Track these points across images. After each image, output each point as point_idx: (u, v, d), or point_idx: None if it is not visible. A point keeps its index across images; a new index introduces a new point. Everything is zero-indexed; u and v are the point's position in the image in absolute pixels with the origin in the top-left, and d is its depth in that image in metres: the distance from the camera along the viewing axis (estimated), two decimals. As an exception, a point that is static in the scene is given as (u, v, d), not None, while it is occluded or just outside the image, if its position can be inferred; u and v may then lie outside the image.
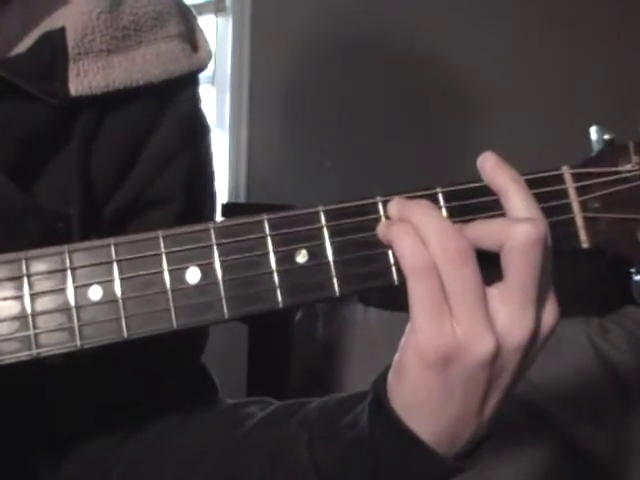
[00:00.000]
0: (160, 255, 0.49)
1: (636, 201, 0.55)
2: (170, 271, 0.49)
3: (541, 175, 0.54)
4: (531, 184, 0.53)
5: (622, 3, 2.48)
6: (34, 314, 0.48)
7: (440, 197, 0.53)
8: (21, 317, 0.48)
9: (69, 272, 0.48)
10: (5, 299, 0.48)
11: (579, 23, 2.45)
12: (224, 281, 0.50)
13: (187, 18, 0.68)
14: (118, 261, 0.49)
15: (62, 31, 0.59)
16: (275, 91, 2.30)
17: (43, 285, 0.48)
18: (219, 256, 0.50)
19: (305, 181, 2.26)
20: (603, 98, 2.36)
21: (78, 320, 0.48)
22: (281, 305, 0.50)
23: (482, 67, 2.37)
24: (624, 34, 2.47)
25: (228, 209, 1.92)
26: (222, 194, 2.23)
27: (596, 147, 0.57)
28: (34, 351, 0.47)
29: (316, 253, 0.51)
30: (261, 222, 0.51)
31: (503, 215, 0.52)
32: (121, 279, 0.49)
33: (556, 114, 2.41)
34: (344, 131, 2.31)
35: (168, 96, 0.65)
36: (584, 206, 0.54)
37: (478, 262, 0.49)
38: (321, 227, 0.51)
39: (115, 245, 0.49)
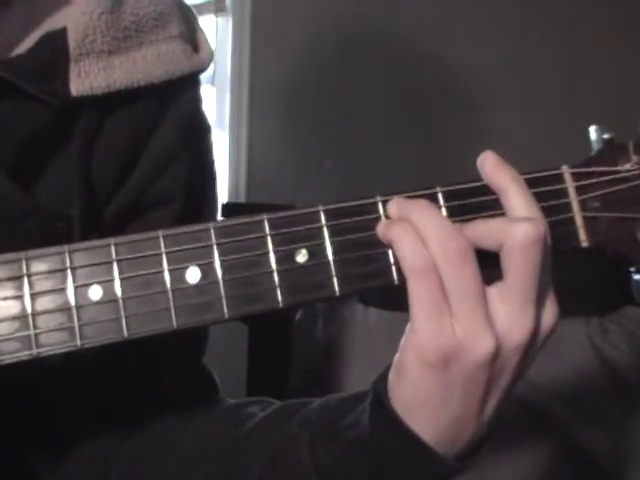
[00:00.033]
0: (160, 255, 0.49)
1: (636, 200, 0.55)
2: (170, 271, 0.49)
3: (541, 174, 0.54)
4: (531, 183, 0.53)
5: (622, 3, 2.48)
6: (34, 314, 0.48)
7: (440, 197, 0.52)
8: (21, 317, 0.48)
9: (69, 272, 0.48)
10: (5, 299, 0.48)
11: (579, 23, 2.45)
12: (224, 281, 0.50)
13: (188, 18, 0.68)
14: (118, 261, 0.49)
15: (63, 32, 0.59)
16: (275, 91, 2.30)
17: (43, 285, 0.48)
18: (219, 256, 0.50)
19: (305, 181, 2.26)
20: (603, 98, 2.36)
21: (78, 320, 0.48)
22: (281, 305, 0.50)
23: (482, 67, 2.37)
24: (624, 34, 2.47)
25: (228, 209, 1.92)
26: (222, 194, 2.22)
27: (596, 147, 0.57)
28: (34, 351, 0.47)
29: (316, 253, 0.51)
30: (261, 222, 0.50)
31: (503, 214, 0.52)
32: (121, 279, 0.49)
33: (556, 114, 2.41)
34: (344, 131, 2.31)
35: (169, 96, 0.65)
36: (584, 205, 0.54)
37: (478, 262, 0.49)
38: (321, 227, 0.51)
39: (115, 245, 0.49)
